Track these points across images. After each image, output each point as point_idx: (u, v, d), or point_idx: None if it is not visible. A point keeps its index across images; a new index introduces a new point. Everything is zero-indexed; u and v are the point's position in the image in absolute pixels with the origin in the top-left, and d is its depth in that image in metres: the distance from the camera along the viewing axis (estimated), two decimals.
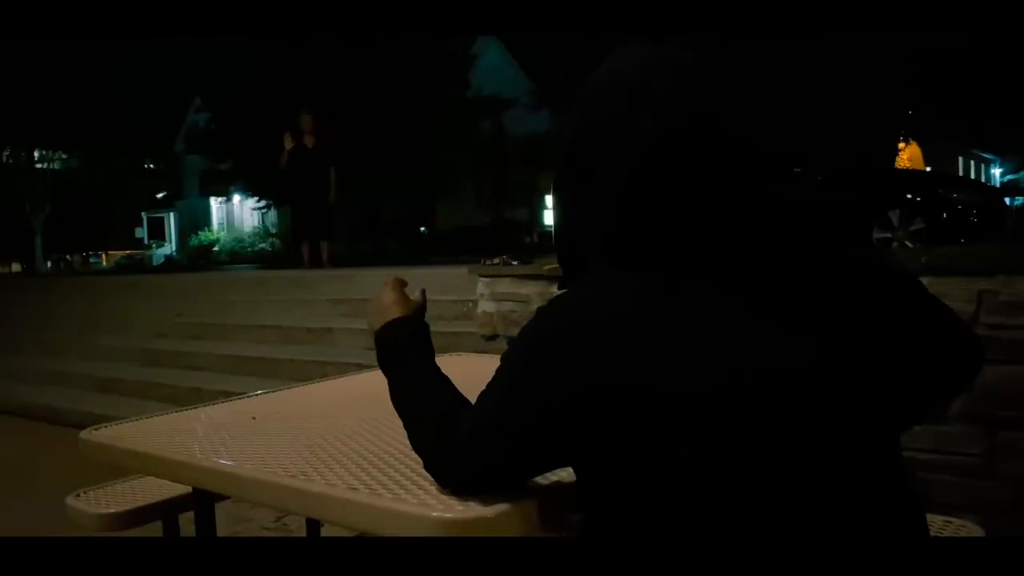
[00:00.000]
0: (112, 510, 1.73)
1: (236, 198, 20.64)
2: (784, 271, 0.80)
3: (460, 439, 0.92)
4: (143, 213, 28.49)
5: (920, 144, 8.39)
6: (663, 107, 0.81)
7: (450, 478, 0.96)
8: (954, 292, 2.13)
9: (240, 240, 21.57)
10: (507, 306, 3.39)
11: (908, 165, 8.08)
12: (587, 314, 0.80)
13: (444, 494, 0.97)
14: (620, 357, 0.77)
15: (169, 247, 28.04)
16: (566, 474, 1.01)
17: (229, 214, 25.35)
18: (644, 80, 0.83)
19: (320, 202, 7.94)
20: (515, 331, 1.06)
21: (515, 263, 3.47)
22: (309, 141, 7.95)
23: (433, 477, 0.98)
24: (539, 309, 0.86)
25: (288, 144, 7.90)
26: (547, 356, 0.81)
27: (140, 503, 1.75)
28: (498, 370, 0.89)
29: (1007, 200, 10.36)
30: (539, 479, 1.01)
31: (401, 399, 1.05)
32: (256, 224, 22.39)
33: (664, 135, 0.80)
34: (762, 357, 0.76)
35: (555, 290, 0.91)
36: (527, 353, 0.85)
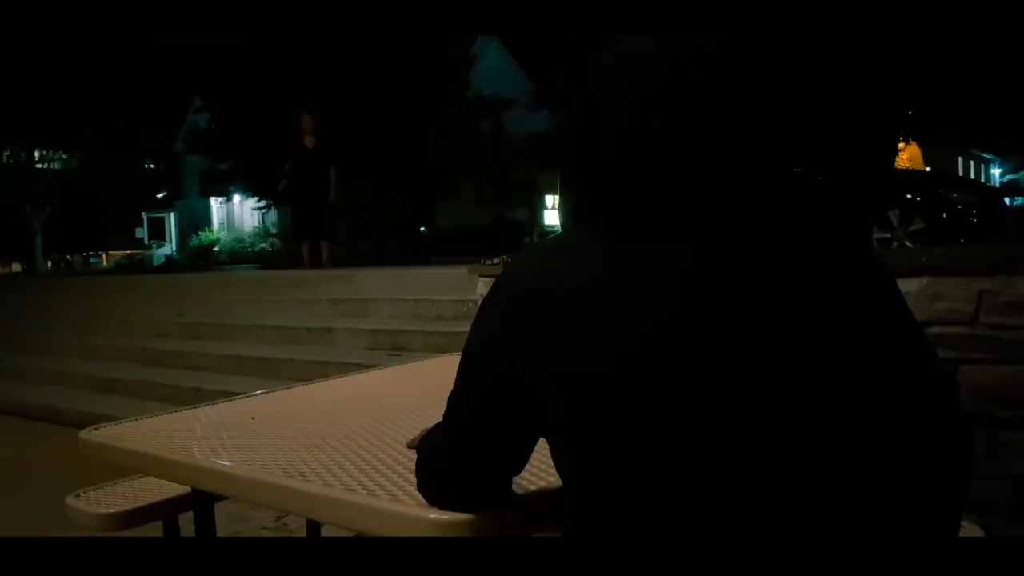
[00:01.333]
0: (112, 510, 1.73)
1: (236, 198, 20.65)
2: (783, 269, 0.80)
3: (440, 449, 0.92)
4: (143, 213, 28.49)
5: (920, 144, 8.37)
6: (665, 94, 0.80)
7: (446, 493, 0.93)
8: (954, 292, 2.13)
9: (240, 240, 21.58)
10: None
11: (908, 165, 8.06)
12: (558, 299, 0.80)
13: None
14: (603, 351, 0.77)
15: (169, 247, 28.03)
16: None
17: (229, 214, 25.35)
18: (644, 67, 0.82)
19: (320, 202, 7.94)
20: None
21: None
22: (309, 141, 7.95)
23: (437, 505, 0.93)
24: (495, 285, 0.87)
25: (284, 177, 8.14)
26: (510, 341, 0.82)
27: (140, 503, 1.75)
28: (460, 364, 0.89)
29: (1007, 200, 10.36)
30: (535, 480, 1.01)
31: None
32: (256, 224, 22.39)
33: (663, 124, 0.80)
34: (759, 354, 0.76)
35: None
36: (480, 344, 0.86)
